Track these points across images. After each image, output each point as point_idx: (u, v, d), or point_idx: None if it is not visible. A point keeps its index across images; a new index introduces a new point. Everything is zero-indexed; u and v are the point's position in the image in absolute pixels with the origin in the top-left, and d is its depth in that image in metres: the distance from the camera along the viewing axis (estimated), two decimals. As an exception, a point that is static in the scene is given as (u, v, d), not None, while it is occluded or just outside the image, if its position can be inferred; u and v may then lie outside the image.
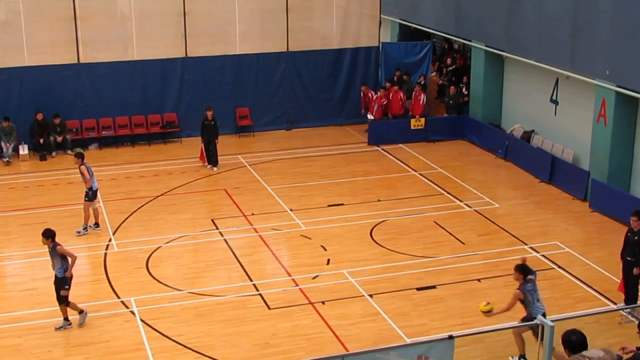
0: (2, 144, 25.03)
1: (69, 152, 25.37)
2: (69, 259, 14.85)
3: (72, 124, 26.20)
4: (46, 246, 14.84)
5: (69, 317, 15.20)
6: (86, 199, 19.39)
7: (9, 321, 15.15)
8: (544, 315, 13.32)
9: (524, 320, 13.61)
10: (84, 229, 19.46)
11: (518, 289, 13.54)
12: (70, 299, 15.78)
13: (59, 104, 25.96)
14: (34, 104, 25.63)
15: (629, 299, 15.60)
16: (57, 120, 25.65)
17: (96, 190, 19.61)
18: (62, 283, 14.84)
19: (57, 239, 14.39)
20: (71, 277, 14.96)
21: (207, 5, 27.14)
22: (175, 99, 27.33)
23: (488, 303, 15.56)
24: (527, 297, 13.52)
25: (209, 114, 24.04)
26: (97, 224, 19.71)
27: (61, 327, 14.96)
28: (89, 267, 18.17)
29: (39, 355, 14.32)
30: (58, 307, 15.31)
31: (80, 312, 15.16)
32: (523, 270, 13.64)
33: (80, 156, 19.31)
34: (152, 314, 15.68)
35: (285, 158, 25.48)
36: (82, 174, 19.20)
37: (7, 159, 24.93)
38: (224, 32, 27.62)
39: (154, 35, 26.93)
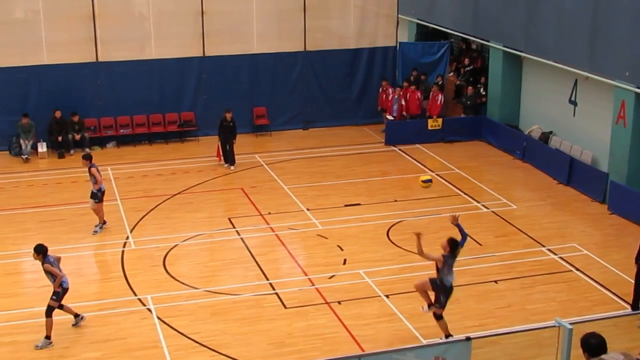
0: (21, 141, 25.18)
1: (87, 150, 25.51)
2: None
3: (90, 122, 26.32)
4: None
5: (81, 313, 15.26)
6: (96, 200, 19.35)
7: (27, 317, 15.21)
8: (450, 286, 14.24)
9: (432, 281, 14.36)
10: (100, 227, 19.53)
11: (442, 255, 14.11)
12: (87, 296, 15.99)
13: (77, 102, 26.09)
14: (52, 101, 25.77)
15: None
16: (75, 118, 25.78)
17: (104, 191, 19.63)
18: (52, 294, 14.69)
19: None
20: (63, 291, 14.69)
21: (224, 4, 27.19)
22: (192, 97, 27.40)
23: (430, 180, 15.92)
24: (444, 268, 14.12)
25: (228, 115, 24.10)
26: (99, 226, 19.70)
27: (41, 346, 14.51)
28: (106, 265, 18.29)
29: (56, 351, 14.39)
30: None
31: (48, 336, 14.60)
32: (452, 246, 14.18)
33: (89, 158, 19.31)
34: (169, 311, 15.72)
35: (301, 157, 25.49)
36: (93, 175, 19.15)
37: (25, 156, 25.08)
38: (242, 32, 27.65)
39: (171, 34, 27.02)
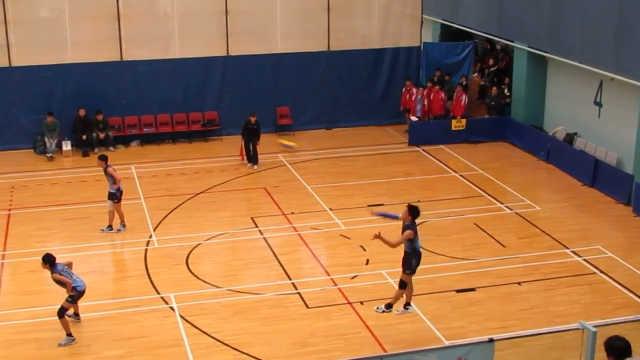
0: (46, 139, 25.34)
1: (111, 148, 25.69)
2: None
3: (114, 120, 26.47)
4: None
5: (80, 315, 15.32)
6: (115, 200, 19.31)
7: (50, 314, 15.19)
8: (420, 250, 14.48)
9: (403, 260, 14.48)
10: (122, 226, 19.59)
11: (408, 227, 14.27)
12: (110, 294, 16.09)
13: (102, 100, 26.24)
14: (76, 100, 25.94)
15: None
16: (99, 117, 25.92)
17: (122, 191, 19.58)
18: (68, 296, 14.70)
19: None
20: (78, 294, 14.70)
21: (248, 4, 27.27)
22: (216, 97, 27.47)
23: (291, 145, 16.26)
24: (416, 236, 14.31)
25: (252, 119, 24.22)
26: (110, 227, 19.59)
27: (64, 344, 14.61)
28: (129, 263, 18.38)
29: (79, 348, 14.48)
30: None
31: (69, 334, 14.67)
32: (413, 211, 14.31)
33: (104, 159, 19.28)
34: (191, 310, 15.76)
35: (324, 157, 25.48)
36: (111, 175, 19.11)
37: (50, 154, 25.24)
38: (265, 31, 27.72)
39: (195, 33, 27.11)
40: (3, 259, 18.33)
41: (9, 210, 21.10)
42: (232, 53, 27.27)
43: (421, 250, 14.61)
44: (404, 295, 14.85)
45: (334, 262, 18.01)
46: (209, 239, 19.17)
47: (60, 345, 14.52)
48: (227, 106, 27.38)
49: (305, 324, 15.27)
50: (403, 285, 14.65)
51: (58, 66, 26.02)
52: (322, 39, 28.09)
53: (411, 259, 14.47)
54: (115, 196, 19.31)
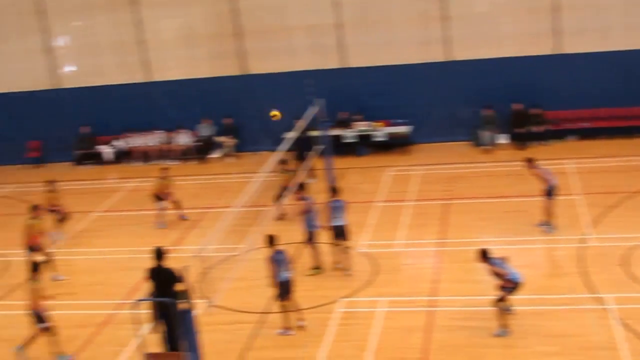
0: (483, 131, 25.97)
1: (546, 143, 25.62)
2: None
3: (550, 114, 26.30)
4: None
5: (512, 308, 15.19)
6: (549, 197, 19.20)
7: (484, 304, 15.34)
8: None
9: None
10: (549, 227, 19.33)
11: None
12: (542, 289, 16.04)
13: (538, 94, 26.25)
14: (513, 93, 26.28)
15: None
16: (535, 111, 25.93)
17: (554, 188, 19.24)
18: (503, 287, 14.80)
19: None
20: (514, 285, 14.69)
21: None
22: (661, 90, 25.99)
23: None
24: None
25: None
26: (546, 223, 19.35)
27: (498, 335, 14.79)
28: (561, 259, 18.13)
29: (511, 341, 14.54)
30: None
31: (503, 325, 14.78)
32: None
33: (530, 160, 19.33)
34: (630, 313, 15.06)
35: None
36: (539, 176, 19.19)
37: (486, 146, 25.84)
38: None
39: (638, 23, 25.88)
40: (444, 247, 19.14)
41: (449, 200, 21.99)
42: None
43: None
44: None
45: None
46: (649, 241, 18.21)
47: (494, 335, 14.77)
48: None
49: None
50: None
51: (495, 60, 26.57)
52: None
53: None
54: (547, 193, 19.20)
